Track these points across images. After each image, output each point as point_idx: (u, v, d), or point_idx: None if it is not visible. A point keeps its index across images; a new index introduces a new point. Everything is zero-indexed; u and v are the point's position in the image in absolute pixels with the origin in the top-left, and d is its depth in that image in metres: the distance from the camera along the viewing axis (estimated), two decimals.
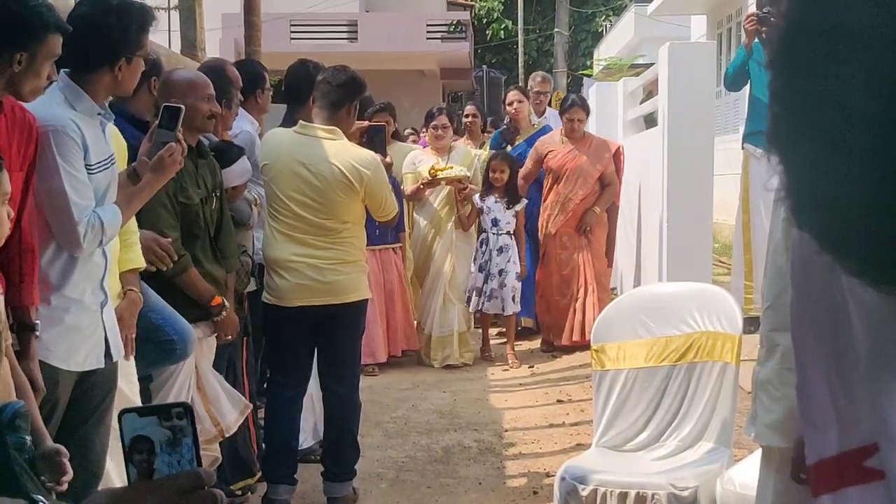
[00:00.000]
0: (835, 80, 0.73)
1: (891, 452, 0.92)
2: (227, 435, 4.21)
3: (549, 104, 9.71)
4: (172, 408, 1.21)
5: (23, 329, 2.97)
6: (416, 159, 7.76)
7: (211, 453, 4.21)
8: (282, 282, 4.51)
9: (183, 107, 3.44)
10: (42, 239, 3.06)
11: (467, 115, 9.01)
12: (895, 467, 0.92)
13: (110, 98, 3.35)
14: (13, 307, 2.93)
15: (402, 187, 7.41)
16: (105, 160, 3.18)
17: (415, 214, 7.90)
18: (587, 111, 7.99)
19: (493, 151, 8.04)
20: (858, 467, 0.99)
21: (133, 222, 3.66)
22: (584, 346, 7.20)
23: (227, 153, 4.40)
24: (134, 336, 3.50)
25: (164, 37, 8.43)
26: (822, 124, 0.74)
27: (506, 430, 5.96)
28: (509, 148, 8.33)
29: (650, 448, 3.97)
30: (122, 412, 1.21)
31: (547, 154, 7.89)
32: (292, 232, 4.50)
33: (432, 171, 7.43)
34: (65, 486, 2.62)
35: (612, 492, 3.65)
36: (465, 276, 7.75)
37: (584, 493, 3.67)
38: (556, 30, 22.88)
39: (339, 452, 4.68)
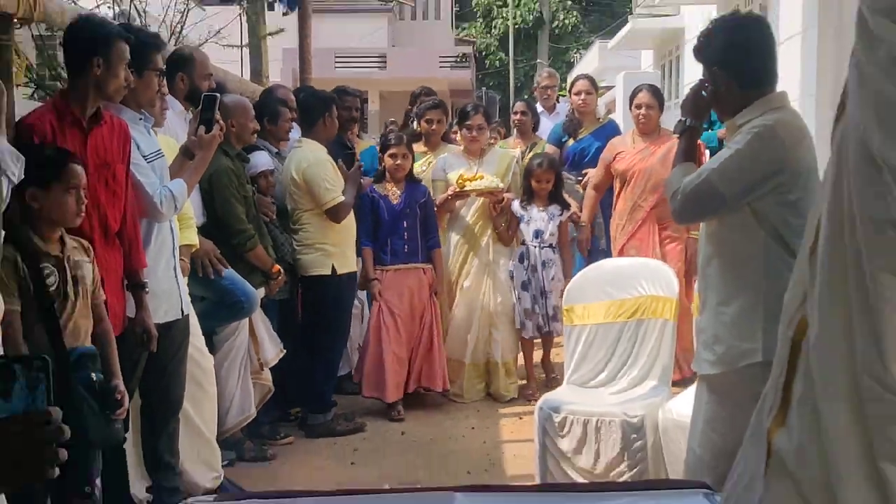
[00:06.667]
0: None
1: None
2: (266, 367, 4.19)
3: (558, 100, 7.42)
4: (34, 360, 1.09)
5: (136, 288, 3.00)
6: (446, 164, 5.36)
7: (264, 382, 4.19)
8: None
9: (218, 95, 3.42)
10: None
11: (516, 113, 6.36)
12: None
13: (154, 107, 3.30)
14: (127, 272, 2.98)
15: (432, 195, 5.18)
16: (155, 152, 3.19)
17: (446, 229, 5.33)
18: (661, 100, 5.36)
19: (537, 154, 5.61)
20: None
21: (189, 208, 3.58)
22: None
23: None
24: None
25: (237, 67, 8.39)
26: None
27: None
28: (571, 142, 5.92)
29: (608, 385, 3.92)
30: None
31: (615, 157, 5.31)
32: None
33: (460, 181, 5.17)
34: (123, 416, 2.60)
35: (578, 418, 3.62)
36: (506, 299, 5.26)
37: (557, 420, 3.65)
38: (538, 60, 22.71)
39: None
